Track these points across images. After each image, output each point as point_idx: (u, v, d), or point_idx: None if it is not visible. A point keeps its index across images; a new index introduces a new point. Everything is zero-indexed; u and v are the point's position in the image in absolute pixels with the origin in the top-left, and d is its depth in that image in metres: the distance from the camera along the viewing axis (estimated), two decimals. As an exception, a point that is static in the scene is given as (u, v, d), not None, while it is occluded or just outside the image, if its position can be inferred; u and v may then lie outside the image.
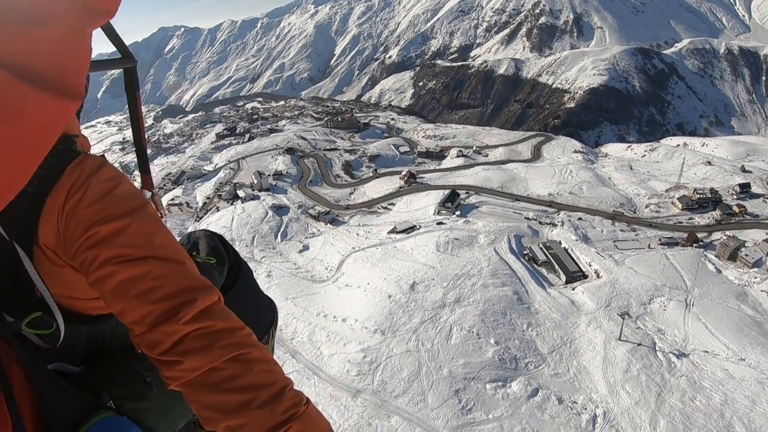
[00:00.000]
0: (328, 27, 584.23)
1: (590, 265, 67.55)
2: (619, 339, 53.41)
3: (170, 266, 1.68)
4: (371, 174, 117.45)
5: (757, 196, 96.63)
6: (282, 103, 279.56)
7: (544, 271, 66.52)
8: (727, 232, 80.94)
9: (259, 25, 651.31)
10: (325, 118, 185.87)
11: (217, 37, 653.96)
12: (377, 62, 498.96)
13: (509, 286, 60.83)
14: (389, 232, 77.54)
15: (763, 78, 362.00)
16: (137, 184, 2.34)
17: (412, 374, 49.31)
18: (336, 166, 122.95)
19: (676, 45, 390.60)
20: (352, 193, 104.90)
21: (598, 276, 65.32)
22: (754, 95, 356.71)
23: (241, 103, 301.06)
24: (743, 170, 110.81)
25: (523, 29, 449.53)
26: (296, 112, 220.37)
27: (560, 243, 72.64)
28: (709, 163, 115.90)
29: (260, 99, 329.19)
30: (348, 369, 50.50)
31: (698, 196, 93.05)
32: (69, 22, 1.06)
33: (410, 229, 77.01)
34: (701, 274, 66.19)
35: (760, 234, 79.54)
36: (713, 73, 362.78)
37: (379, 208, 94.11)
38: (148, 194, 2.48)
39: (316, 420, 1.70)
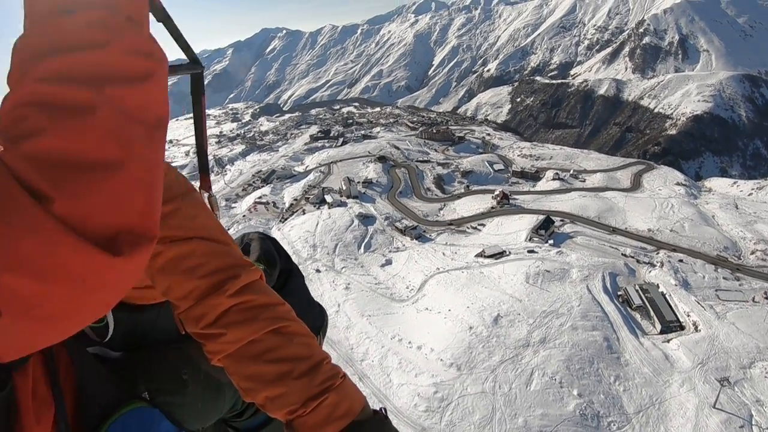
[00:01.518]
0: (428, 37, 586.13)
1: (689, 316, 62.10)
2: (714, 407, 48.29)
3: (215, 246, 1.77)
4: (463, 190, 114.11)
5: None
6: (378, 109, 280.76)
7: (638, 316, 61.50)
8: None
9: (359, 31, 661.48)
10: (420, 129, 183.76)
11: (318, 40, 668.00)
12: (475, 75, 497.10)
13: (600, 331, 56.33)
14: (477, 255, 74.25)
15: None
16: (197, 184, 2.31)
17: (484, 419, 45.90)
18: (427, 179, 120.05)
19: None
20: (441, 209, 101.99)
21: (696, 329, 59.77)
22: None
23: (338, 107, 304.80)
24: None
25: (626, 49, 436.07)
26: (391, 120, 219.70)
27: (658, 286, 67.23)
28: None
29: (356, 104, 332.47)
30: (416, 403, 47.69)
31: None
32: (147, 156, 0.92)
33: (499, 255, 73.44)
34: None
35: None
36: None
37: (468, 228, 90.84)
38: (206, 195, 2.39)
39: (351, 393, 1.79)
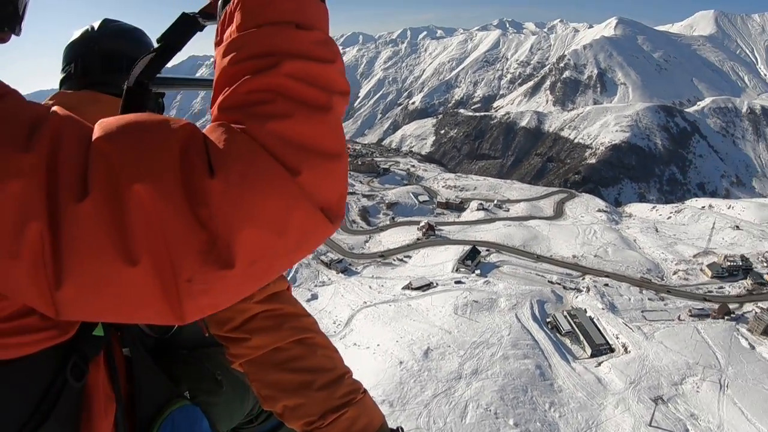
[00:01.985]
0: (355, 69, 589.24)
1: (617, 338, 62.96)
2: (650, 425, 48.45)
3: None
4: (388, 222, 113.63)
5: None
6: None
7: (567, 342, 61.80)
8: (760, 304, 76.41)
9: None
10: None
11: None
12: (400, 107, 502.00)
13: (531, 359, 55.96)
14: (404, 288, 73.25)
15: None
16: None
17: (420, 457, 44.45)
18: (353, 211, 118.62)
19: (698, 103, 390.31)
20: (367, 241, 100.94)
21: (626, 350, 60.72)
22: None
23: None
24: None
25: (547, 82, 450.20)
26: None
27: (585, 311, 67.99)
28: (737, 227, 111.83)
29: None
30: (349, 444, 45.72)
31: (728, 263, 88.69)
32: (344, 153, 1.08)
33: (426, 287, 72.61)
34: (735, 351, 61.83)
35: (794, 306, 75.10)
36: (735, 133, 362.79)
37: (394, 260, 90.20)
38: None
39: (371, 409, 1.81)
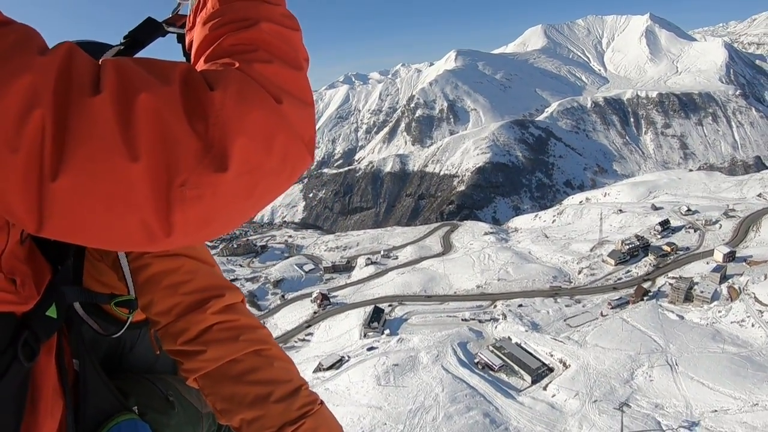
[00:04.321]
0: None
1: (552, 355, 59.01)
2: (622, 432, 44.34)
3: (201, 266, 1.85)
4: (279, 302, 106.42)
5: (678, 228, 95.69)
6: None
7: (504, 376, 56.83)
8: (670, 274, 77.31)
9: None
10: (220, 246, 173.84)
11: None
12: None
13: (476, 409, 49.54)
14: (315, 371, 65.51)
15: (632, 119, 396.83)
16: None
17: None
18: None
19: (546, 110, 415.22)
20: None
21: (565, 366, 56.76)
22: (627, 137, 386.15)
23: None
24: (654, 208, 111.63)
25: (402, 125, 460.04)
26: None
27: (510, 339, 63.79)
28: (621, 210, 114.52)
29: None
30: None
31: (627, 246, 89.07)
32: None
33: (338, 363, 65.31)
34: (667, 327, 60.42)
35: (701, 266, 76.31)
36: (586, 127, 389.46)
37: (295, 341, 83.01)
38: None
39: (328, 420, 1.82)
